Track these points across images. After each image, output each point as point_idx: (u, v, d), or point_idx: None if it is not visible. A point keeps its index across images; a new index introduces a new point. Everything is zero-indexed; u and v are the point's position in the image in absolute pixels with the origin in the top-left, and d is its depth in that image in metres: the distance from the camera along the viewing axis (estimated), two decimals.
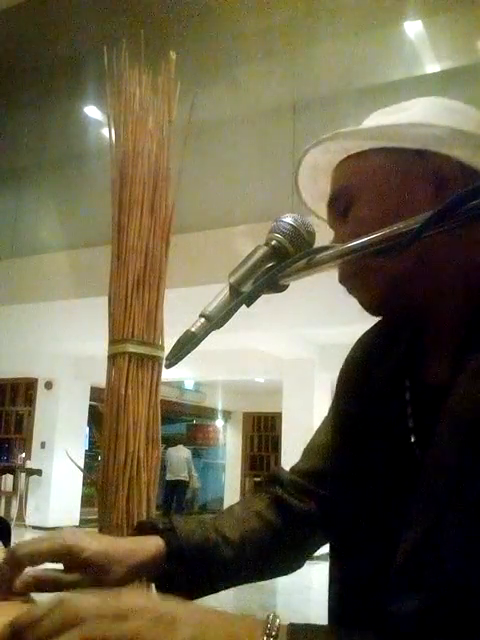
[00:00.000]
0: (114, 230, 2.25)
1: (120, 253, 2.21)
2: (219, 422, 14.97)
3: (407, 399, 0.69)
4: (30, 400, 10.67)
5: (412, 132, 0.68)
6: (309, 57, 5.69)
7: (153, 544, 0.73)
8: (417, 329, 0.74)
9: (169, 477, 10.65)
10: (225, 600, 6.86)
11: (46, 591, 0.68)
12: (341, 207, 0.72)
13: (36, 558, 0.67)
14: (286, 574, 0.86)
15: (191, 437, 15.20)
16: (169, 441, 10.77)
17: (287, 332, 7.32)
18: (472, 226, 0.52)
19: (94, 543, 0.69)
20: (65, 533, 0.70)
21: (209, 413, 14.51)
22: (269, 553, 0.81)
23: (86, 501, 10.37)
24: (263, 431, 14.13)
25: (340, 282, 0.73)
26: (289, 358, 8.46)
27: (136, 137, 2.28)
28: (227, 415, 14.70)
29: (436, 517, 0.57)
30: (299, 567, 0.86)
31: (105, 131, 2.48)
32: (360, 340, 0.83)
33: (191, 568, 0.74)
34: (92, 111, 6.50)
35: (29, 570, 0.69)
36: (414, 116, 0.70)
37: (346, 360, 0.83)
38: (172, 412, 12.77)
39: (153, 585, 0.79)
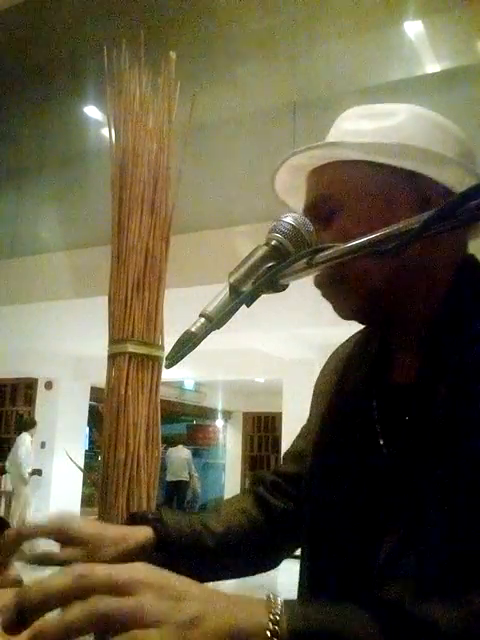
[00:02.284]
0: (114, 230, 2.25)
1: (120, 253, 2.21)
2: (219, 422, 14.96)
3: (374, 404, 0.73)
4: (30, 400, 10.66)
5: (405, 153, 0.69)
6: (309, 57, 5.68)
7: (142, 533, 0.78)
8: (386, 332, 0.77)
9: (169, 478, 10.64)
10: None
11: (42, 565, 0.72)
12: (322, 214, 0.73)
13: (32, 532, 0.71)
14: (266, 570, 0.90)
15: (191, 437, 15.19)
16: (169, 441, 10.76)
17: (287, 332, 7.32)
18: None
19: (88, 524, 0.74)
20: (61, 512, 0.76)
21: (209, 413, 14.50)
22: (251, 547, 0.86)
23: (86, 501, 10.36)
24: (263, 431, 14.13)
25: (317, 286, 0.74)
26: (289, 358, 8.45)
27: (136, 137, 2.28)
28: (227, 415, 14.70)
29: (418, 514, 0.60)
30: (277, 564, 0.90)
31: (105, 131, 2.48)
32: (335, 352, 0.89)
33: (176, 556, 0.78)
34: (92, 111, 6.50)
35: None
36: (402, 130, 0.72)
37: (322, 371, 0.89)
38: (172, 412, 12.76)
39: None
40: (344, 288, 0.71)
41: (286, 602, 0.51)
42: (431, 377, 0.66)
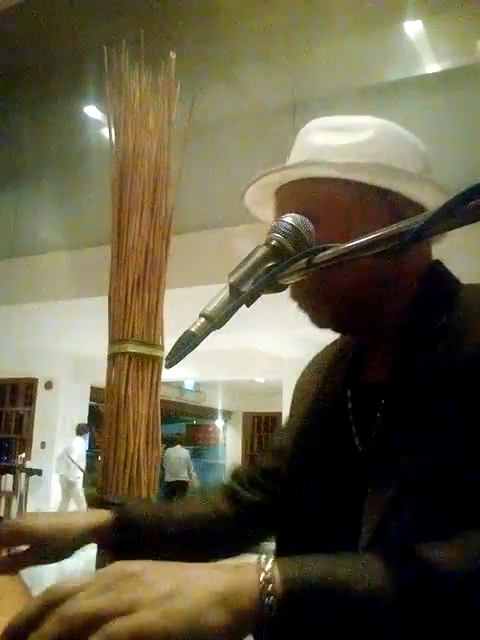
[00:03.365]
0: (114, 230, 2.25)
1: (120, 253, 2.21)
2: (219, 422, 14.96)
3: (349, 405, 0.77)
4: (30, 400, 10.65)
5: (379, 171, 0.73)
6: (309, 57, 5.68)
7: (103, 514, 0.84)
8: (360, 337, 0.82)
9: (168, 478, 10.62)
10: None
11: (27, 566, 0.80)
12: None
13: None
14: (231, 557, 0.93)
15: (191, 437, 15.19)
16: (169, 441, 10.75)
17: (287, 332, 7.31)
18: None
19: (44, 520, 0.80)
20: (22, 518, 0.83)
21: (209, 413, 14.50)
22: (213, 536, 0.90)
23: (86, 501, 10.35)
24: (263, 431, 14.12)
25: (293, 299, 0.78)
26: (289, 358, 8.44)
27: (136, 137, 2.28)
28: (227, 415, 14.69)
29: (393, 506, 0.64)
30: (240, 552, 0.93)
31: (105, 131, 2.47)
32: (317, 354, 0.95)
33: (136, 539, 0.83)
34: (92, 111, 6.49)
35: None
36: (373, 146, 0.75)
37: (303, 372, 0.94)
38: (172, 412, 12.76)
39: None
40: (320, 300, 0.75)
41: (277, 558, 0.51)
42: (401, 374, 0.70)
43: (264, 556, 0.51)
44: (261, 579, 0.48)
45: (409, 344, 0.72)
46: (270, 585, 0.47)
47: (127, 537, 0.83)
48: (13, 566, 0.79)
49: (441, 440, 0.63)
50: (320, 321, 0.78)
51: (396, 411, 0.69)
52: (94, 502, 0.97)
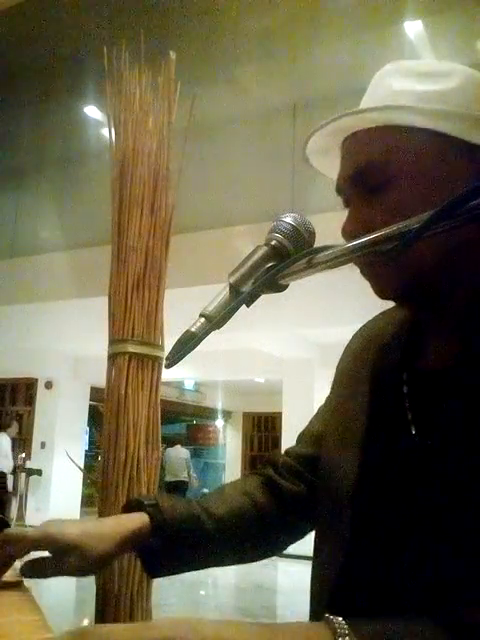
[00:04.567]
0: (114, 230, 2.25)
1: (120, 253, 2.21)
2: (219, 422, 14.96)
3: (405, 391, 0.69)
4: (30, 400, 10.66)
5: (472, 123, 0.64)
6: (309, 57, 5.68)
7: (137, 519, 0.76)
8: (420, 316, 0.73)
9: (168, 478, 10.63)
10: (226, 600, 6.83)
11: (36, 577, 0.71)
12: (370, 183, 0.67)
13: (21, 548, 0.70)
14: (268, 556, 0.87)
15: (191, 437, 15.19)
16: (169, 441, 10.76)
17: (287, 332, 7.32)
18: None
19: (73, 527, 0.72)
20: (46, 524, 0.73)
21: (209, 413, 14.50)
22: (252, 531, 0.82)
23: (86, 501, 10.37)
24: (263, 431, 14.13)
25: (363, 267, 0.69)
26: (289, 358, 8.45)
27: (136, 137, 2.28)
28: (227, 415, 14.70)
29: (451, 505, 0.58)
30: (279, 551, 0.87)
31: (105, 131, 2.48)
32: (359, 332, 0.84)
33: (174, 540, 0.76)
34: (92, 111, 6.50)
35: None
36: (460, 96, 0.66)
37: (345, 351, 0.84)
38: (172, 412, 12.76)
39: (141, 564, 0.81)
40: (394, 266, 0.65)
41: (349, 622, 0.49)
42: (470, 362, 0.63)
43: (334, 620, 0.50)
44: None
45: (477, 329, 0.64)
46: None
47: (164, 541, 0.76)
48: (30, 574, 0.72)
49: None
50: (387, 290, 0.68)
51: (463, 402, 0.61)
52: (125, 505, 0.85)
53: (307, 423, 0.90)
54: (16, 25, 6.57)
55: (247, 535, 0.82)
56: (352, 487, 0.70)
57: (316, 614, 0.70)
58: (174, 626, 0.46)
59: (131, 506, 0.80)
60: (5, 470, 8.80)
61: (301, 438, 0.89)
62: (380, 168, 0.66)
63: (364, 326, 0.84)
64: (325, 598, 0.69)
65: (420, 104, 0.65)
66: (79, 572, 0.71)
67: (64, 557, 0.70)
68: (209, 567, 0.83)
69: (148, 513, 0.77)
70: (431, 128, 0.64)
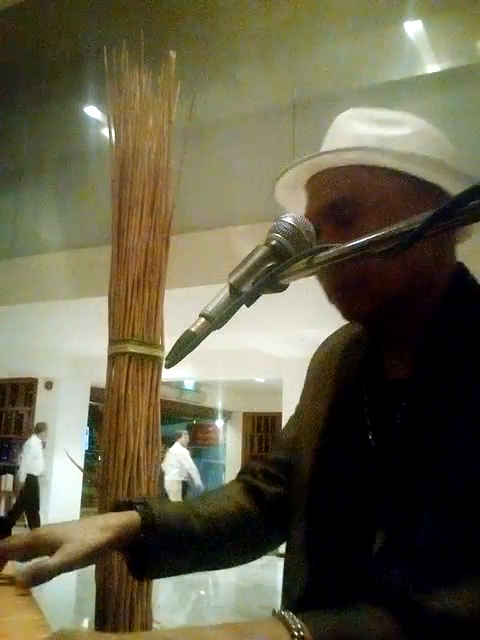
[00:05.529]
0: (114, 230, 2.25)
1: (120, 253, 2.21)
2: (219, 422, 14.96)
3: (365, 399, 0.75)
4: (30, 400, 10.66)
5: (432, 165, 0.71)
6: (309, 57, 5.68)
7: (126, 516, 0.77)
8: (378, 332, 0.79)
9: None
10: (226, 601, 6.82)
11: (37, 583, 0.71)
12: (340, 216, 0.73)
13: (13, 552, 0.73)
14: (254, 559, 0.89)
15: (191, 437, 15.18)
16: (169, 441, 10.75)
17: (287, 332, 7.32)
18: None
19: (60, 524, 0.75)
20: (37, 530, 0.75)
21: (209, 413, 14.50)
22: (238, 533, 0.85)
23: (86, 501, 10.36)
24: (263, 431, 14.13)
25: (331, 291, 0.75)
26: (289, 358, 8.45)
27: (136, 137, 2.28)
28: (227, 415, 14.69)
29: (409, 506, 0.63)
30: (264, 553, 0.89)
31: (105, 131, 2.47)
32: (323, 344, 0.91)
33: (163, 539, 0.77)
34: (92, 111, 6.50)
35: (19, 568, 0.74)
36: (415, 142, 0.73)
37: (311, 361, 0.90)
38: (172, 412, 12.76)
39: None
40: (361, 292, 0.72)
41: (301, 615, 0.52)
42: (425, 373, 0.68)
43: (286, 614, 0.53)
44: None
45: (436, 342, 0.70)
46: None
47: (153, 539, 0.77)
48: (32, 582, 0.70)
49: (465, 445, 0.61)
50: (355, 313, 0.75)
51: (418, 411, 0.67)
52: (114, 505, 0.85)
53: (282, 427, 0.95)
54: (16, 25, 6.57)
55: (233, 536, 0.84)
56: (308, 487, 0.76)
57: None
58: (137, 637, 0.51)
59: (120, 506, 0.81)
60: (35, 472, 8.84)
61: (275, 444, 0.94)
62: (349, 203, 0.72)
63: (328, 338, 0.91)
64: (296, 593, 0.74)
65: (385, 146, 0.72)
66: (71, 563, 0.71)
67: (55, 551, 0.71)
68: (197, 570, 0.86)
69: (137, 511, 0.78)
70: (396, 168, 0.71)
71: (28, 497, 8.87)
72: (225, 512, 0.83)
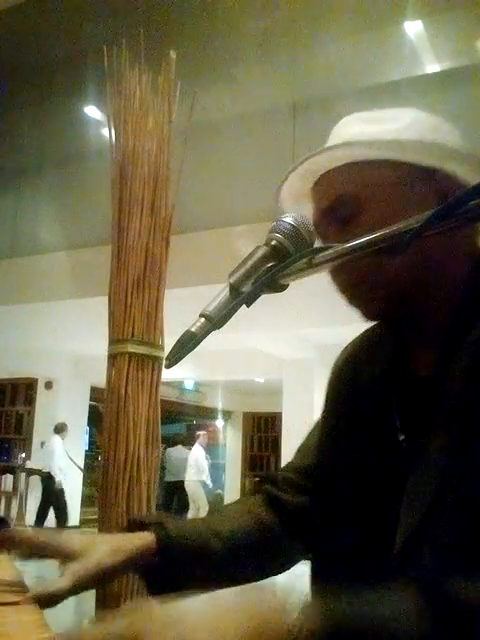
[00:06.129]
0: (114, 230, 2.25)
1: (120, 253, 2.21)
2: (219, 422, 14.95)
3: (392, 399, 0.73)
4: (30, 400, 10.66)
5: (426, 149, 0.71)
6: (309, 57, 5.68)
7: (142, 537, 0.74)
8: (402, 329, 0.77)
9: (169, 478, 10.63)
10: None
11: (45, 608, 0.68)
12: (343, 214, 0.72)
13: (29, 543, 0.71)
14: (276, 574, 0.86)
15: (191, 437, 15.17)
16: (169, 441, 10.75)
17: (287, 332, 7.32)
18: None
19: (79, 537, 0.72)
20: (58, 536, 0.73)
21: (209, 413, 14.50)
22: (260, 549, 0.82)
23: (86, 501, 10.36)
24: (263, 431, 14.13)
25: (343, 291, 0.73)
26: (289, 358, 8.45)
27: (136, 137, 2.28)
28: (227, 415, 14.69)
29: (433, 501, 0.60)
30: (287, 568, 0.86)
31: (105, 131, 2.48)
32: (346, 347, 0.88)
33: (180, 561, 0.74)
34: (92, 111, 6.49)
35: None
36: (412, 130, 0.72)
37: (334, 364, 0.87)
38: (172, 412, 12.76)
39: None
40: (374, 287, 0.70)
41: (307, 602, 0.49)
42: (449, 369, 0.66)
43: (293, 598, 0.50)
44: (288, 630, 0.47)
45: (458, 336, 0.68)
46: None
47: (170, 561, 0.73)
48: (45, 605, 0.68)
49: None
50: (373, 311, 0.73)
51: (442, 406, 0.65)
52: (127, 524, 0.82)
53: (306, 435, 0.91)
54: (16, 25, 6.58)
55: (255, 552, 0.81)
56: (332, 491, 0.73)
57: None
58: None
59: (133, 525, 0.79)
60: (54, 471, 8.84)
61: (299, 451, 0.90)
62: (350, 201, 0.71)
63: (347, 345, 0.88)
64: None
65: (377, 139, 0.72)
66: (82, 584, 0.69)
67: (68, 564, 0.69)
68: (219, 587, 0.81)
69: (153, 532, 0.75)
70: (390, 158, 0.71)
71: (54, 497, 8.88)
72: (246, 528, 0.80)
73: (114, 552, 0.71)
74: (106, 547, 0.71)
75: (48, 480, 8.93)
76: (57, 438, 9.15)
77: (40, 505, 9.09)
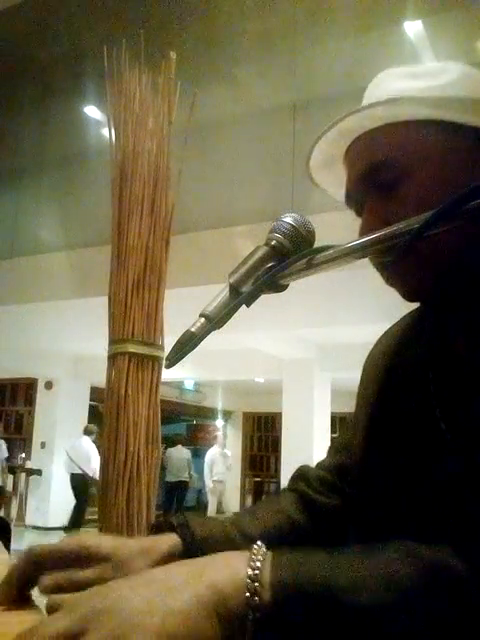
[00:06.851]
0: (114, 230, 2.25)
1: (120, 253, 2.21)
2: (219, 422, 14.96)
3: (431, 388, 0.68)
4: (30, 400, 10.66)
5: (477, 108, 0.64)
6: (309, 57, 5.68)
7: (168, 540, 0.71)
8: (444, 309, 0.71)
9: (169, 478, 10.63)
10: None
11: (65, 592, 0.64)
12: (383, 181, 0.66)
13: (55, 556, 0.66)
14: None
15: (191, 437, 15.19)
16: (169, 441, 10.76)
17: (287, 332, 7.31)
18: None
19: (109, 538, 0.69)
20: (80, 535, 0.70)
21: (209, 413, 14.50)
22: None
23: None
24: (263, 431, 14.14)
25: (382, 271, 0.68)
26: (289, 358, 8.45)
27: (136, 137, 2.28)
28: (227, 415, 14.70)
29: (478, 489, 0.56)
30: None
31: (105, 131, 2.48)
32: (380, 339, 0.83)
33: None
34: (92, 111, 6.50)
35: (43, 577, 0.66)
36: (460, 87, 0.66)
37: (369, 354, 0.82)
38: (172, 412, 12.76)
39: None
40: (421, 265, 0.64)
41: (273, 551, 0.47)
42: None
43: (258, 547, 0.47)
44: (248, 580, 0.44)
45: None
46: (256, 584, 0.44)
47: None
48: None
49: None
50: (417, 290, 0.67)
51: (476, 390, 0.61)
52: (152, 527, 0.78)
53: (340, 433, 0.89)
54: (16, 25, 6.58)
55: None
56: (367, 487, 0.70)
57: None
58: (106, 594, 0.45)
59: (158, 528, 0.76)
60: (90, 473, 8.82)
61: (333, 449, 0.87)
62: (392, 164, 0.65)
63: (380, 337, 0.83)
64: None
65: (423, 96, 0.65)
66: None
67: (95, 567, 0.65)
68: None
69: (178, 534, 0.72)
70: (435, 117, 0.64)
71: (81, 497, 8.92)
72: (276, 529, 0.77)
73: (143, 553, 0.68)
74: (136, 548, 0.68)
75: (81, 481, 8.92)
76: (88, 439, 9.15)
77: (75, 507, 9.08)
